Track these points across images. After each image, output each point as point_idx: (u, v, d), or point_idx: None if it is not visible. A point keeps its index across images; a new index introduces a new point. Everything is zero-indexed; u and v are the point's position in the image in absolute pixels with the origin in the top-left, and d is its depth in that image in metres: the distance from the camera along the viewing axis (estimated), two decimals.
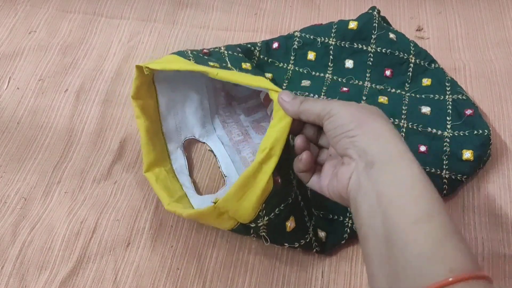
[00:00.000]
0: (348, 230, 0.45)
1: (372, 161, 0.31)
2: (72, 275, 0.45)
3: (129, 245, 0.46)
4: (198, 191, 0.50)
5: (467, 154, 0.46)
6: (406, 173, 0.29)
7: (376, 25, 0.54)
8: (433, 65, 0.53)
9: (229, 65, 0.47)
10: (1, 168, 0.52)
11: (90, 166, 0.52)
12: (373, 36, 0.53)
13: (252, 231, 0.40)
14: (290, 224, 0.41)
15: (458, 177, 0.46)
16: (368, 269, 0.29)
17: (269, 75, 0.56)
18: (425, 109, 0.50)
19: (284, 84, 0.55)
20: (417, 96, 0.52)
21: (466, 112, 0.49)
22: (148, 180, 0.47)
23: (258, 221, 0.39)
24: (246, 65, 0.47)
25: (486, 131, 0.47)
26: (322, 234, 0.44)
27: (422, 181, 0.29)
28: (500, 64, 0.57)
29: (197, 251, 0.46)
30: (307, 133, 0.38)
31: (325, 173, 0.36)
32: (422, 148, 0.48)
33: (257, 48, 0.57)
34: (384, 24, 0.55)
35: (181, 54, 0.47)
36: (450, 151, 0.47)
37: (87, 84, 0.58)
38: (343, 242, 0.45)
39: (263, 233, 0.40)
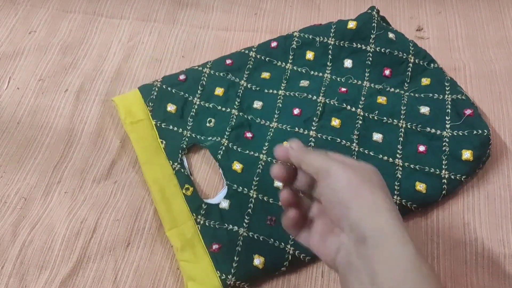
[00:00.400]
0: (290, 257, 0.43)
1: (363, 237, 0.29)
2: (72, 275, 0.45)
3: (129, 245, 0.46)
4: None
5: (467, 154, 0.46)
6: (401, 254, 0.28)
7: (375, 24, 0.54)
8: (432, 64, 0.53)
9: (196, 97, 0.54)
10: (1, 168, 0.52)
11: (90, 166, 0.52)
12: (372, 36, 0.53)
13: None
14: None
15: (458, 177, 0.46)
16: None
17: (266, 74, 0.55)
18: (424, 109, 0.50)
19: (283, 84, 0.55)
20: (416, 95, 0.52)
21: (466, 112, 0.49)
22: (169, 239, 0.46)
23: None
24: (219, 91, 0.54)
25: (485, 131, 0.47)
26: (258, 260, 0.43)
27: (419, 263, 0.28)
28: (500, 64, 0.57)
29: None
30: (300, 180, 0.35)
31: (315, 230, 0.35)
32: (421, 148, 0.48)
33: (253, 49, 0.57)
34: (384, 24, 0.55)
35: (147, 89, 0.54)
36: (450, 151, 0.47)
37: (87, 84, 0.58)
38: (283, 269, 0.43)
39: None
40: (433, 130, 0.49)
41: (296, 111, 0.52)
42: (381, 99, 0.51)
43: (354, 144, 0.49)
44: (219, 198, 0.48)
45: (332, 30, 0.55)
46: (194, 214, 0.47)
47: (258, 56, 0.57)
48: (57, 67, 0.60)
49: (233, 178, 0.48)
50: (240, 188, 0.48)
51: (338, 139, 0.49)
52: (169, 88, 0.54)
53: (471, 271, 0.43)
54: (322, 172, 0.32)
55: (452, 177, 0.46)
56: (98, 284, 0.44)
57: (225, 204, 0.47)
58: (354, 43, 0.54)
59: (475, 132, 0.47)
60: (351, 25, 0.54)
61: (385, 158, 0.48)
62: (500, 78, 0.55)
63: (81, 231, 0.47)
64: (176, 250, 0.45)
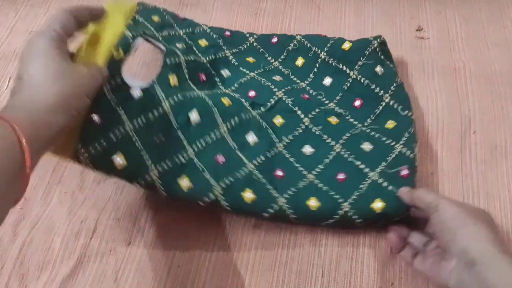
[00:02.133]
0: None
1: (472, 261, 0.34)
2: (73, 274, 0.45)
3: (130, 245, 0.46)
4: None
5: (378, 204, 0.43)
6: (508, 274, 0.33)
7: (368, 52, 0.52)
8: (406, 111, 0.49)
9: (182, 30, 0.55)
10: None
11: None
12: (359, 63, 0.52)
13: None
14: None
15: (357, 221, 0.44)
16: None
17: (251, 59, 0.56)
18: (367, 146, 0.47)
19: (259, 70, 0.55)
20: (371, 133, 0.48)
21: (402, 170, 0.45)
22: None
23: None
24: (203, 42, 0.55)
25: (406, 205, 0.43)
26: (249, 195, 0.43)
27: None
28: (500, 64, 0.57)
29: (197, 249, 0.46)
30: (414, 237, 0.43)
31: (429, 258, 0.40)
32: (341, 176, 0.45)
33: (254, 36, 0.58)
34: (380, 56, 0.53)
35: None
36: (365, 192, 0.44)
37: None
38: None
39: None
40: (362, 166, 0.46)
41: (251, 93, 0.52)
42: (333, 119, 0.50)
43: (281, 145, 0.48)
44: (137, 83, 0.43)
45: (328, 45, 0.55)
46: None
47: (255, 44, 0.57)
48: None
49: (166, 88, 0.45)
50: (157, 96, 0.43)
51: (274, 136, 0.49)
52: (164, 13, 0.56)
53: None
54: (433, 206, 0.39)
55: (350, 214, 0.44)
56: (98, 283, 0.44)
57: (135, 93, 0.43)
58: (340, 64, 0.53)
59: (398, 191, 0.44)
60: (346, 45, 0.54)
61: (301, 169, 0.47)
62: (500, 78, 0.56)
63: (81, 231, 0.47)
64: None
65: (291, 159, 0.47)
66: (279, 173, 0.46)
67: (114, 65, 0.42)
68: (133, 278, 0.44)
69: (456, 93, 0.55)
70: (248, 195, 0.44)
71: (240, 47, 0.57)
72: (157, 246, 0.46)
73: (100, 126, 0.40)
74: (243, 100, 0.50)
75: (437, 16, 0.62)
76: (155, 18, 0.54)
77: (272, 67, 0.56)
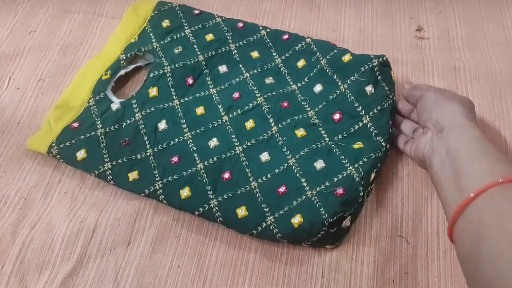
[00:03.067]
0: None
1: (442, 128, 0.42)
2: (73, 274, 0.45)
3: (130, 244, 0.46)
4: None
5: (296, 219, 0.43)
6: (468, 133, 0.40)
7: (363, 70, 0.51)
8: (379, 138, 0.48)
9: (190, 28, 0.59)
10: (1, 168, 0.52)
11: None
12: (351, 78, 0.51)
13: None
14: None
15: (277, 236, 0.44)
16: (441, 197, 0.40)
17: (255, 53, 0.57)
18: (319, 164, 0.47)
19: (255, 71, 0.55)
20: (333, 149, 0.48)
21: (338, 190, 0.44)
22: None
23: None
24: (209, 36, 0.58)
25: (324, 221, 0.43)
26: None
27: (480, 136, 0.40)
28: (500, 64, 0.57)
29: (198, 249, 0.46)
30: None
31: (413, 141, 0.47)
32: (282, 189, 0.46)
33: (267, 30, 0.58)
34: (377, 76, 0.51)
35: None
36: (293, 208, 0.44)
37: None
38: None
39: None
40: (304, 183, 0.46)
41: (236, 94, 0.54)
42: (300, 132, 0.50)
43: (240, 148, 0.49)
44: (116, 99, 0.54)
45: (331, 53, 0.54)
46: (92, 94, 0.54)
47: (266, 38, 0.58)
48: (57, 67, 0.60)
49: (144, 100, 0.54)
50: (132, 108, 0.53)
51: (235, 137, 0.50)
52: (178, 10, 0.61)
53: None
54: (419, 97, 0.47)
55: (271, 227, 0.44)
56: (98, 283, 0.44)
57: (114, 107, 0.53)
58: (335, 75, 0.53)
59: (323, 212, 0.43)
60: (346, 57, 0.53)
61: (249, 174, 0.47)
62: (500, 78, 0.55)
63: (81, 230, 0.47)
64: (55, 105, 0.54)
65: (244, 163, 0.48)
66: (226, 175, 0.47)
67: (101, 84, 0.55)
68: (133, 278, 0.44)
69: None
70: (185, 192, 0.47)
71: (250, 38, 0.58)
72: (157, 246, 0.46)
73: (76, 130, 0.52)
74: (219, 106, 0.53)
75: (437, 16, 0.62)
76: (165, 23, 0.60)
77: (273, 63, 0.56)
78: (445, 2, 0.64)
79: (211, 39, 0.58)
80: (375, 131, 0.48)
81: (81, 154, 0.49)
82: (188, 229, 0.47)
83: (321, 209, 0.43)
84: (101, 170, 0.49)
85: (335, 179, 0.45)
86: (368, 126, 0.48)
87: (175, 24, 0.60)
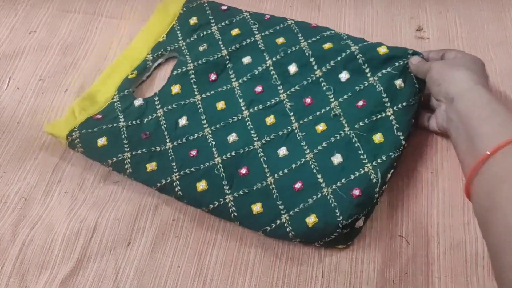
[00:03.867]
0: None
1: (452, 98, 0.43)
2: (73, 274, 0.45)
3: (130, 244, 0.46)
4: None
5: (311, 219, 0.43)
6: (476, 97, 0.41)
7: (397, 64, 0.50)
8: (400, 133, 0.47)
9: (217, 24, 0.59)
10: (1, 168, 0.52)
11: (90, 166, 0.52)
12: (383, 71, 0.50)
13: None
14: None
15: (290, 234, 0.44)
16: (460, 160, 0.42)
17: (281, 39, 0.56)
18: (337, 159, 0.46)
19: (278, 57, 0.54)
20: (352, 140, 0.47)
21: (355, 192, 0.44)
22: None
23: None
24: (235, 31, 0.58)
25: (338, 223, 0.43)
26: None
27: (488, 98, 0.41)
28: (500, 64, 0.57)
29: (198, 249, 0.46)
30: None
31: (433, 117, 0.50)
32: (298, 185, 0.46)
33: (294, 20, 0.58)
34: (410, 72, 0.50)
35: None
36: (308, 207, 0.44)
37: (87, 84, 0.58)
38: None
39: None
40: (320, 180, 0.45)
41: (258, 88, 0.53)
42: (320, 127, 0.49)
43: (258, 143, 0.49)
44: (140, 98, 0.55)
45: (364, 43, 0.53)
46: (117, 91, 0.55)
47: (293, 26, 0.57)
48: (57, 67, 0.60)
49: (166, 97, 0.54)
50: (154, 105, 0.54)
51: (254, 132, 0.50)
52: (206, 6, 0.61)
53: (471, 271, 0.43)
54: (427, 71, 0.47)
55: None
56: (98, 283, 0.44)
57: (137, 104, 0.54)
58: (366, 64, 0.51)
59: (337, 212, 0.43)
60: (382, 50, 0.51)
61: (266, 170, 0.47)
62: (500, 78, 0.55)
63: (81, 230, 0.47)
64: (82, 97, 0.55)
65: (262, 158, 0.48)
66: (243, 170, 0.47)
67: (126, 83, 0.56)
68: (133, 278, 0.44)
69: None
70: (202, 185, 0.47)
71: (277, 26, 0.57)
72: (157, 246, 0.46)
73: (99, 121, 0.53)
74: (241, 100, 0.53)
75: (437, 16, 0.62)
76: (192, 20, 0.60)
77: (298, 46, 0.55)
78: (445, 2, 0.64)
79: (237, 33, 0.58)
80: (397, 125, 0.47)
81: (102, 141, 0.50)
82: (188, 229, 0.47)
83: (336, 210, 0.43)
84: (120, 158, 0.49)
85: (352, 176, 0.45)
86: (391, 119, 0.48)
87: (202, 21, 0.60)
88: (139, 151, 0.50)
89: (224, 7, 0.61)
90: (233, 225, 0.47)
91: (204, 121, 0.52)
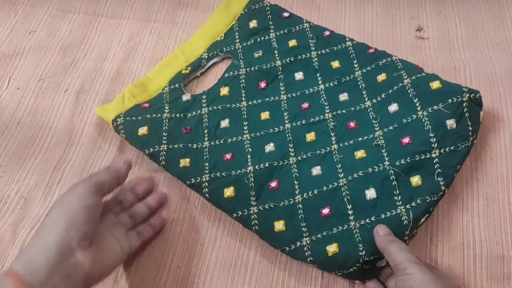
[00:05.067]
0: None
1: None
2: None
3: None
4: None
5: (332, 247, 0.42)
6: None
7: (451, 101, 0.47)
8: (441, 179, 0.45)
9: (273, 31, 0.59)
10: (1, 168, 0.52)
11: (90, 166, 0.52)
12: (434, 107, 0.47)
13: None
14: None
15: (308, 259, 0.43)
16: None
17: (336, 63, 0.55)
18: (371, 194, 0.45)
19: (331, 84, 0.54)
20: (390, 177, 0.45)
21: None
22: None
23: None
24: (292, 42, 0.58)
25: (360, 258, 0.42)
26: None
27: None
28: (500, 64, 0.57)
29: (198, 250, 0.46)
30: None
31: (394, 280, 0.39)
32: (325, 211, 0.45)
33: (353, 41, 0.57)
34: (464, 111, 0.47)
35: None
36: (332, 235, 0.43)
37: (87, 84, 0.58)
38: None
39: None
40: (350, 211, 0.44)
41: (305, 105, 0.53)
42: (359, 153, 0.47)
43: (294, 159, 0.48)
44: (188, 95, 0.56)
45: (418, 75, 0.51)
46: (168, 83, 0.57)
47: (350, 49, 0.56)
48: (57, 67, 0.60)
49: (214, 97, 0.55)
50: (201, 102, 0.55)
51: (292, 147, 0.49)
52: (268, 10, 0.62)
53: (469, 273, 0.43)
54: (401, 268, 0.37)
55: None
56: (98, 283, 0.44)
57: (185, 98, 0.55)
58: (416, 98, 0.49)
59: (360, 246, 0.42)
60: (435, 84, 0.49)
61: (296, 187, 0.46)
62: (500, 78, 0.55)
63: None
64: (134, 84, 0.56)
65: (294, 174, 0.47)
66: (273, 184, 0.47)
67: (179, 77, 0.57)
68: (133, 278, 0.44)
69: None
70: (229, 191, 0.46)
71: (334, 47, 0.56)
72: (157, 246, 0.46)
73: (145, 109, 0.54)
74: (285, 113, 0.52)
75: (437, 16, 0.62)
76: (252, 24, 0.60)
77: (352, 76, 0.54)
78: (445, 2, 0.64)
79: (293, 45, 0.57)
80: (439, 170, 0.44)
81: (143, 130, 0.51)
82: (188, 229, 0.47)
83: (360, 245, 0.42)
84: (156, 150, 0.50)
85: (383, 216, 0.43)
86: (434, 162, 0.45)
87: (262, 25, 0.60)
88: (175, 146, 0.50)
89: (285, 14, 0.61)
90: (233, 225, 0.47)
91: (246, 127, 0.52)
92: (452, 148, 0.46)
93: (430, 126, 0.46)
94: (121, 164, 0.43)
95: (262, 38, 0.59)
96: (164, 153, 0.50)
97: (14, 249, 0.46)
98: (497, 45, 0.59)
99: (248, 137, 0.51)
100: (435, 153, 0.45)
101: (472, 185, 0.48)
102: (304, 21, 0.60)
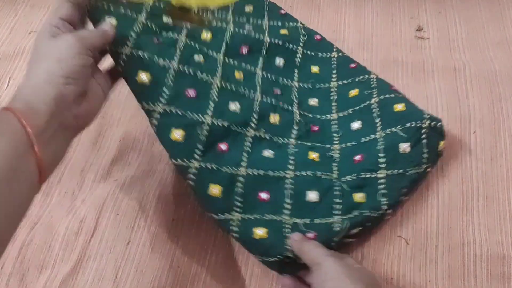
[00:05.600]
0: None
1: None
2: (73, 274, 0.45)
3: (130, 243, 0.46)
4: None
5: (260, 231, 0.42)
6: None
7: (409, 126, 0.46)
8: (383, 200, 0.44)
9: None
10: None
11: (90, 166, 0.52)
12: (392, 129, 0.47)
13: None
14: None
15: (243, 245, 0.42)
16: None
17: (317, 68, 0.56)
18: (312, 195, 0.45)
19: (306, 84, 0.54)
20: (333, 189, 0.45)
21: (309, 234, 0.41)
22: None
23: None
24: (283, 31, 0.57)
25: (283, 251, 0.41)
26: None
27: None
28: (500, 64, 0.57)
29: (197, 249, 0.46)
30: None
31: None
32: (264, 195, 0.44)
33: (339, 53, 0.57)
34: (422, 138, 0.46)
35: None
36: (261, 218, 0.43)
37: None
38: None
39: None
40: (288, 205, 0.44)
41: (277, 91, 0.52)
42: (314, 155, 0.47)
43: (252, 131, 0.47)
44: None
45: (386, 96, 0.51)
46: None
47: (333, 60, 0.57)
48: None
49: (194, 36, 0.50)
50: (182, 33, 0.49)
51: (255, 119, 0.48)
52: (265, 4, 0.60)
53: (469, 273, 0.43)
54: (316, 263, 0.38)
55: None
56: (98, 283, 0.44)
57: (166, 20, 0.48)
58: (378, 118, 0.49)
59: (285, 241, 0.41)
60: (399, 107, 0.49)
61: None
62: (500, 78, 0.55)
63: (81, 230, 0.47)
64: None
65: (246, 147, 0.46)
66: (223, 146, 0.45)
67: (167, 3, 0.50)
68: (133, 278, 0.45)
69: (456, 93, 0.55)
70: (177, 134, 0.43)
71: (319, 53, 0.57)
72: (157, 246, 0.46)
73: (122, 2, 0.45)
74: (258, 86, 0.50)
75: (437, 16, 0.62)
76: (248, 8, 0.58)
77: (327, 85, 0.54)
78: (445, 2, 0.64)
79: (284, 33, 0.57)
80: (383, 191, 0.44)
81: (112, 21, 0.43)
82: (188, 229, 0.47)
83: (287, 241, 0.41)
84: (120, 49, 0.43)
85: (317, 221, 0.43)
86: (379, 182, 0.44)
87: (256, 11, 0.58)
88: (140, 52, 0.43)
89: (282, 11, 0.61)
90: None
91: (218, 72, 0.48)
92: (400, 171, 0.45)
93: (382, 147, 0.46)
94: (108, 27, 0.41)
95: (255, 21, 0.57)
96: (125, 57, 0.42)
97: (14, 249, 0.46)
98: (497, 45, 0.59)
99: (218, 84, 0.47)
100: (381, 173, 0.45)
101: (472, 185, 0.48)
102: (299, 22, 0.60)
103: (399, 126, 0.47)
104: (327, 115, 0.52)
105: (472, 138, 0.51)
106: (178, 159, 0.42)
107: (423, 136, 0.46)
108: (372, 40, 0.60)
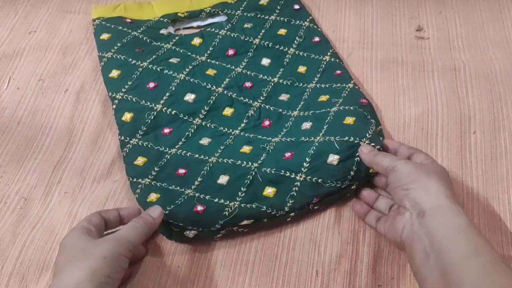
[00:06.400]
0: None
1: (423, 211, 0.37)
2: None
3: None
4: None
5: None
6: (454, 221, 0.36)
7: (345, 140, 0.47)
8: (291, 202, 0.46)
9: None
10: (1, 168, 0.52)
11: (90, 166, 0.52)
12: (331, 138, 0.47)
13: None
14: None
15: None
16: (422, 284, 0.36)
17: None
18: (222, 179, 0.47)
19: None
20: (251, 178, 0.47)
21: (286, 154, 0.48)
22: None
23: None
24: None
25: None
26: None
27: (467, 226, 0.36)
28: (500, 64, 0.57)
29: (198, 249, 0.46)
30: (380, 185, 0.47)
31: (387, 218, 0.43)
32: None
33: (330, 58, 0.58)
34: (354, 157, 0.46)
35: None
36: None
37: (87, 84, 0.58)
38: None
39: None
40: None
41: (248, 84, 0.55)
42: (247, 148, 0.50)
43: (198, 120, 0.52)
44: (171, 28, 0.62)
45: (343, 108, 0.50)
46: (161, 16, 0.62)
47: (323, 63, 0.57)
48: (57, 67, 0.60)
49: (183, 43, 0.59)
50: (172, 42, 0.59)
51: (205, 111, 0.53)
52: None
53: None
54: (390, 168, 0.41)
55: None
56: None
57: (163, 31, 0.60)
58: (325, 125, 0.50)
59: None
60: (349, 120, 0.48)
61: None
62: (500, 78, 0.56)
63: None
64: (136, 1, 0.62)
65: (188, 133, 0.51)
66: (166, 130, 0.51)
67: (173, 16, 0.62)
68: (133, 278, 0.44)
69: (456, 93, 0.55)
70: (127, 116, 0.52)
71: (312, 55, 0.58)
72: (157, 246, 0.46)
73: (125, 24, 0.61)
74: (227, 80, 0.55)
75: (437, 16, 0.62)
76: (263, 0, 0.63)
77: (305, 85, 0.55)
78: (445, 2, 0.64)
79: (281, 33, 0.60)
80: (293, 193, 0.45)
81: (105, 36, 0.59)
82: None
83: (192, 210, 0.45)
84: (105, 54, 0.57)
85: (214, 200, 0.45)
86: (294, 184, 0.46)
87: (270, 6, 0.63)
88: (119, 55, 0.56)
89: (296, 6, 0.63)
90: None
91: (186, 71, 0.55)
92: (319, 180, 0.45)
93: (312, 152, 0.46)
94: (157, 213, 0.44)
95: (262, 16, 0.61)
96: (106, 59, 0.56)
97: (14, 249, 0.46)
98: (497, 45, 0.59)
99: (182, 78, 0.54)
100: (300, 177, 0.46)
101: (472, 185, 0.48)
102: (308, 20, 0.60)
103: (338, 137, 0.47)
104: (289, 111, 0.53)
105: (472, 138, 0.51)
106: (123, 136, 0.51)
107: (357, 154, 0.45)
108: (372, 40, 0.61)
